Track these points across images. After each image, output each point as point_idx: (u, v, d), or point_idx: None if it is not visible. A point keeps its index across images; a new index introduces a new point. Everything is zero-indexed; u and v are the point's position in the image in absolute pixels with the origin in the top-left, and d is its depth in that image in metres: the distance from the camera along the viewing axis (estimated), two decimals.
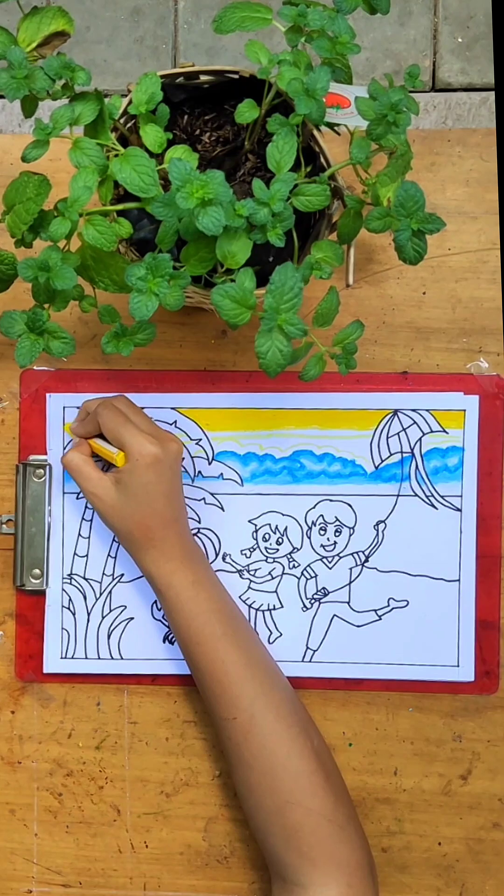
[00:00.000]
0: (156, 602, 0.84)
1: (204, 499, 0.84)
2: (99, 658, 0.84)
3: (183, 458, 0.81)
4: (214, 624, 0.77)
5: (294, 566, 0.84)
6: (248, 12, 0.70)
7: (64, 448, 0.85)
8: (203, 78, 0.76)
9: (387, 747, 0.84)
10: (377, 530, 0.84)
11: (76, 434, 0.82)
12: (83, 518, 0.85)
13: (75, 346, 0.69)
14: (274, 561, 0.84)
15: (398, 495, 0.84)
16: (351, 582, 0.84)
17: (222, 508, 0.85)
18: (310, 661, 0.84)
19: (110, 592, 0.84)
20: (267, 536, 0.84)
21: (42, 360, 0.86)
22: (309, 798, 0.74)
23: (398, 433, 0.84)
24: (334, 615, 0.84)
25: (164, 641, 0.84)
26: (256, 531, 0.84)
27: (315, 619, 0.84)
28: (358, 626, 0.84)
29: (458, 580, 0.84)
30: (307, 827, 0.74)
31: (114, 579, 0.84)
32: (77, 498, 0.85)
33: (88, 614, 0.84)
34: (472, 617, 0.84)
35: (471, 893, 0.84)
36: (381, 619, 0.84)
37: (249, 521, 0.84)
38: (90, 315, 0.84)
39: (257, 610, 0.84)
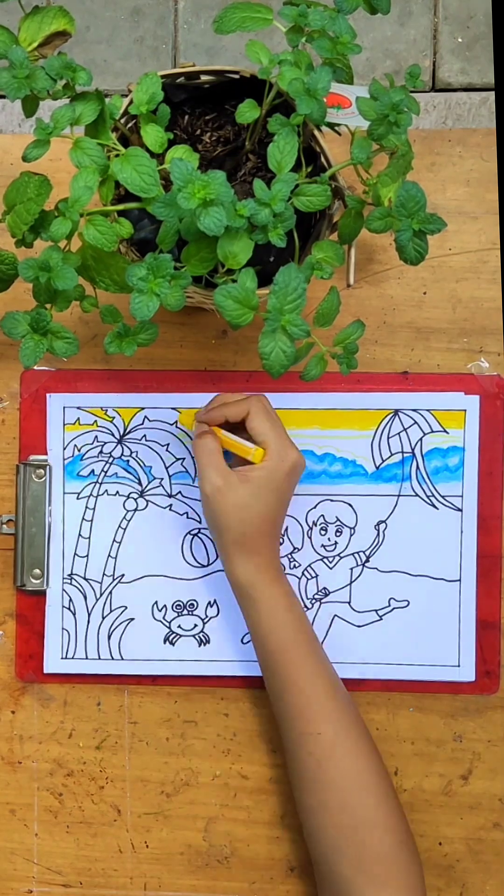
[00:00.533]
0: (156, 603, 0.84)
1: None
2: (99, 658, 0.84)
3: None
4: (302, 638, 0.77)
5: (295, 566, 0.84)
6: (248, 13, 0.70)
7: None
8: (204, 78, 0.76)
9: (387, 747, 0.84)
10: (378, 530, 0.84)
11: (203, 420, 0.78)
12: (83, 518, 0.85)
13: (79, 346, 0.68)
14: None
15: (399, 495, 0.84)
16: (352, 582, 0.84)
17: None
18: None
19: (111, 593, 0.84)
20: None
21: (42, 360, 0.85)
22: (386, 820, 0.73)
23: (399, 433, 0.84)
24: (335, 615, 0.84)
25: (164, 642, 0.84)
26: None
27: (316, 619, 0.84)
28: (359, 627, 0.84)
29: (459, 580, 0.84)
30: (383, 849, 0.73)
31: (114, 580, 0.84)
32: (77, 498, 0.85)
33: (89, 614, 0.84)
34: (473, 617, 0.84)
35: (471, 893, 0.84)
36: (381, 619, 0.84)
37: None
38: (90, 315, 0.83)
39: None
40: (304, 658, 0.76)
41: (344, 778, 0.74)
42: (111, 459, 0.85)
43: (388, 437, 0.84)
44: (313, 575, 0.84)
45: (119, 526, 0.85)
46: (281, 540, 0.84)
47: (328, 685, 0.76)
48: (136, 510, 0.85)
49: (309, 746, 0.75)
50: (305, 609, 0.84)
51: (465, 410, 0.84)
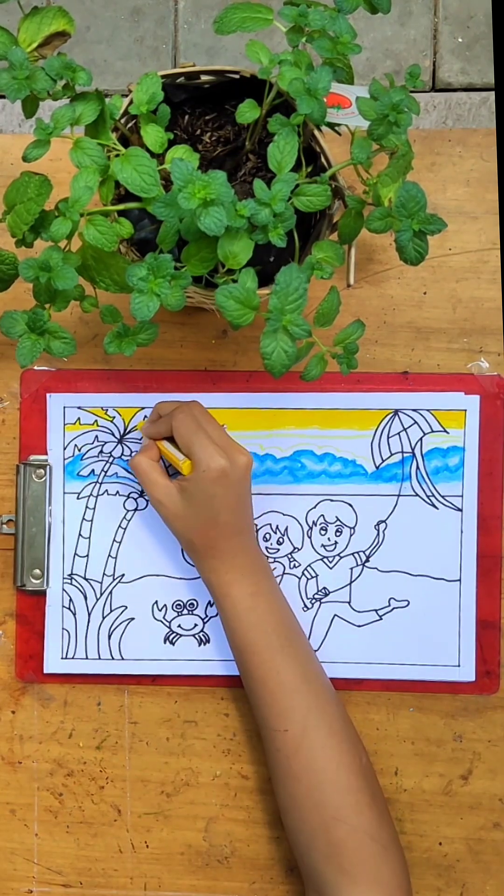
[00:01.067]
0: (156, 602, 0.84)
1: None
2: (99, 658, 0.84)
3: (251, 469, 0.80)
4: (271, 635, 0.77)
5: (295, 566, 0.84)
6: (248, 13, 0.70)
7: (131, 453, 0.84)
8: (204, 78, 0.76)
9: (387, 747, 0.84)
10: (378, 530, 0.84)
11: (146, 434, 0.81)
12: (83, 518, 0.85)
13: (76, 346, 0.68)
14: (275, 561, 0.84)
15: (399, 495, 0.84)
16: (352, 582, 0.84)
17: None
18: None
19: (111, 593, 0.84)
20: (268, 536, 0.84)
21: (42, 360, 0.86)
22: (355, 815, 0.74)
23: (399, 433, 0.84)
24: (335, 615, 0.84)
25: (164, 642, 0.84)
26: (257, 531, 0.84)
27: (316, 619, 0.84)
28: (359, 626, 0.84)
29: (459, 580, 0.84)
30: (351, 844, 0.73)
31: (114, 580, 0.84)
32: (77, 498, 0.85)
33: (89, 614, 0.84)
34: (473, 617, 0.84)
35: (471, 893, 0.84)
36: (381, 619, 0.84)
37: None
38: (90, 315, 0.84)
39: None
40: (270, 656, 0.77)
41: (310, 773, 0.75)
42: (111, 459, 0.85)
43: (388, 437, 0.84)
44: (313, 575, 0.84)
45: (119, 526, 0.85)
46: (281, 539, 0.84)
47: (297, 682, 0.76)
48: (136, 510, 0.85)
49: (277, 743, 0.76)
50: (305, 609, 0.84)
51: (465, 410, 0.84)
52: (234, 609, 0.78)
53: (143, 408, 0.85)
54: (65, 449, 0.85)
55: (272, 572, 0.82)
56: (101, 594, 0.84)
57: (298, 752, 0.75)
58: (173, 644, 0.84)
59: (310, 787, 0.75)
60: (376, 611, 0.84)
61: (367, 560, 0.84)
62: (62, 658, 0.84)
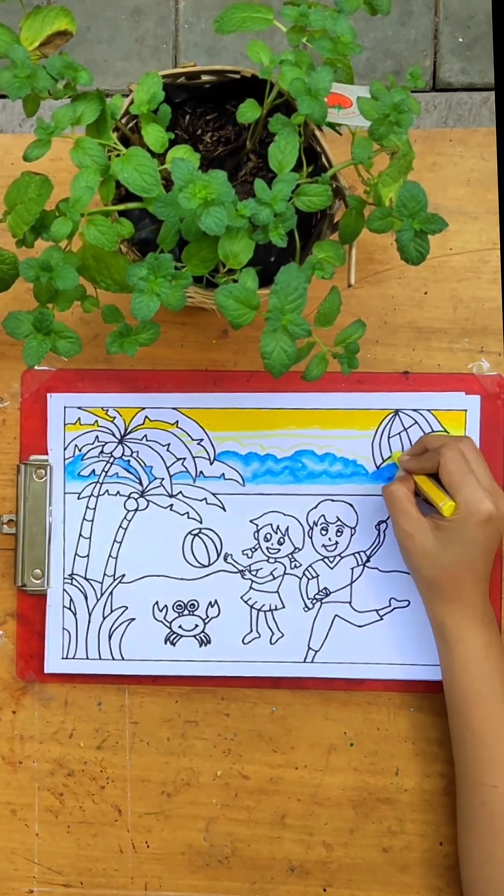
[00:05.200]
0: (157, 603, 0.84)
1: (205, 499, 0.84)
2: (100, 658, 0.84)
3: None
4: (498, 688, 0.75)
5: (295, 566, 0.84)
6: (249, 13, 0.70)
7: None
8: (204, 78, 0.76)
9: (388, 747, 0.84)
10: (378, 530, 0.84)
11: (406, 468, 0.80)
12: (84, 518, 0.85)
13: (82, 345, 0.68)
14: (275, 561, 0.84)
15: None
16: (352, 582, 0.84)
17: (224, 508, 0.84)
18: (311, 662, 0.84)
19: (111, 593, 0.84)
20: (268, 536, 0.84)
21: (43, 360, 0.85)
22: None
23: (399, 433, 0.84)
24: (336, 615, 0.84)
25: (165, 642, 0.84)
26: (258, 531, 0.84)
27: (317, 619, 0.84)
28: (359, 626, 0.84)
29: None
30: None
31: (115, 580, 0.84)
32: (78, 498, 0.85)
33: (89, 615, 0.84)
34: None
35: None
36: (382, 619, 0.84)
37: (251, 521, 0.84)
38: (91, 315, 0.84)
39: (259, 610, 0.84)
40: (492, 708, 0.75)
41: None
42: (112, 459, 0.85)
43: (389, 437, 0.84)
44: (314, 575, 0.84)
45: (120, 526, 0.85)
46: (282, 539, 0.84)
47: None
48: (136, 510, 0.85)
49: (483, 797, 0.74)
50: (306, 609, 0.84)
51: (465, 410, 0.84)
52: (466, 656, 0.76)
53: (143, 408, 0.85)
54: (65, 449, 0.85)
55: (496, 625, 0.79)
56: (102, 594, 0.84)
57: None
58: (174, 645, 0.84)
59: None
60: (377, 611, 0.84)
61: (368, 560, 0.84)
62: (63, 658, 0.84)
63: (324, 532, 0.84)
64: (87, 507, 0.85)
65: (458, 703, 0.76)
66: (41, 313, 0.67)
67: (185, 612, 0.84)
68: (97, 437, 0.85)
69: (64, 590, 0.84)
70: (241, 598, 0.84)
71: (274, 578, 0.84)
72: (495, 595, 0.84)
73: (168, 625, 0.84)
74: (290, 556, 0.84)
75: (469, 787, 0.75)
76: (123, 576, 0.85)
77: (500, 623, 0.83)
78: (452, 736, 0.78)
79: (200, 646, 0.84)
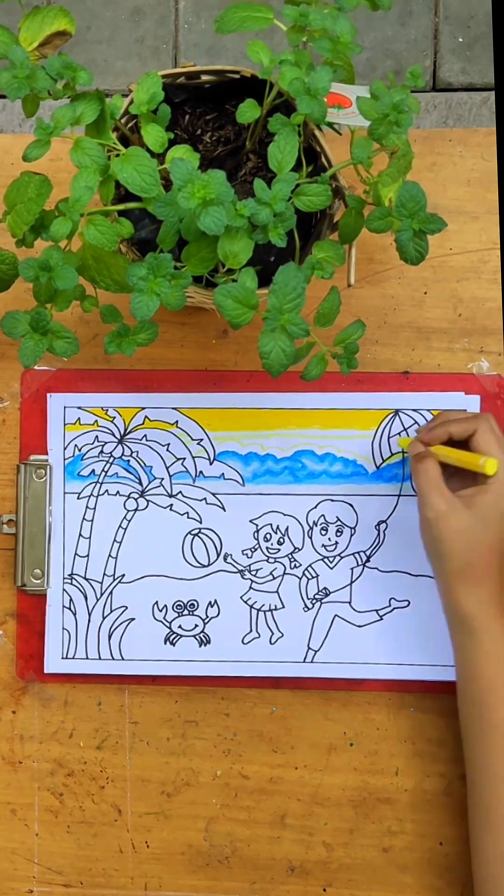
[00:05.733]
0: (156, 603, 0.84)
1: (205, 499, 0.84)
2: (100, 658, 0.84)
3: None
4: None
5: (295, 566, 0.84)
6: (249, 12, 0.70)
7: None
8: (204, 78, 0.76)
9: (388, 747, 0.84)
10: (378, 530, 0.84)
11: (430, 437, 0.76)
12: (84, 518, 0.85)
13: (79, 345, 0.68)
14: (275, 561, 0.84)
15: (399, 495, 0.84)
16: (352, 582, 0.84)
17: (223, 508, 0.85)
18: (311, 662, 0.84)
19: (111, 593, 0.84)
20: (268, 536, 0.84)
21: (43, 360, 0.86)
22: None
23: (399, 433, 0.84)
24: (335, 615, 0.84)
25: (164, 642, 0.84)
26: (258, 531, 0.84)
27: (316, 619, 0.84)
28: (359, 627, 0.84)
29: None
30: None
31: (115, 580, 0.84)
32: (78, 498, 0.85)
33: (89, 614, 0.84)
34: None
35: (472, 894, 0.84)
36: (382, 619, 0.84)
37: (251, 521, 0.84)
38: (91, 315, 0.84)
39: (259, 610, 0.84)
40: None
41: None
42: (112, 459, 0.85)
43: (389, 437, 0.84)
44: (314, 575, 0.84)
45: (119, 526, 0.85)
46: (282, 539, 0.84)
47: None
48: (136, 510, 0.85)
49: (500, 792, 0.72)
50: (306, 609, 0.84)
51: (465, 410, 0.84)
52: (492, 645, 0.72)
53: (143, 408, 0.85)
54: (65, 449, 0.85)
55: None
56: (102, 594, 0.84)
57: None
58: (174, 645, 0.84)
59: None
60: (377, 611, 0.84)
61: (368, 560, 0.84)
62: (62, 658, 0.84)
63: (323, 532, 0.84)
64: (87, 506, 0.85)
65: (476, 695, 0.73)
66: (38, 313, 0.67)
67: (185, 611, 0.84)
68: (97, 437, 0.85)
69: (64, 590, 0.84)
70: (241, 598, 0.84)
71: (274, 578, 0.84)
72: None
73: (168, 625, 0.84)
74: (290, 556, 0.84)
75: (484, 781, 0.73)
76: (123, 576, 0.85)
77: None
78: (465, 731, 0.76)
79: (200, 646, 0.84)
